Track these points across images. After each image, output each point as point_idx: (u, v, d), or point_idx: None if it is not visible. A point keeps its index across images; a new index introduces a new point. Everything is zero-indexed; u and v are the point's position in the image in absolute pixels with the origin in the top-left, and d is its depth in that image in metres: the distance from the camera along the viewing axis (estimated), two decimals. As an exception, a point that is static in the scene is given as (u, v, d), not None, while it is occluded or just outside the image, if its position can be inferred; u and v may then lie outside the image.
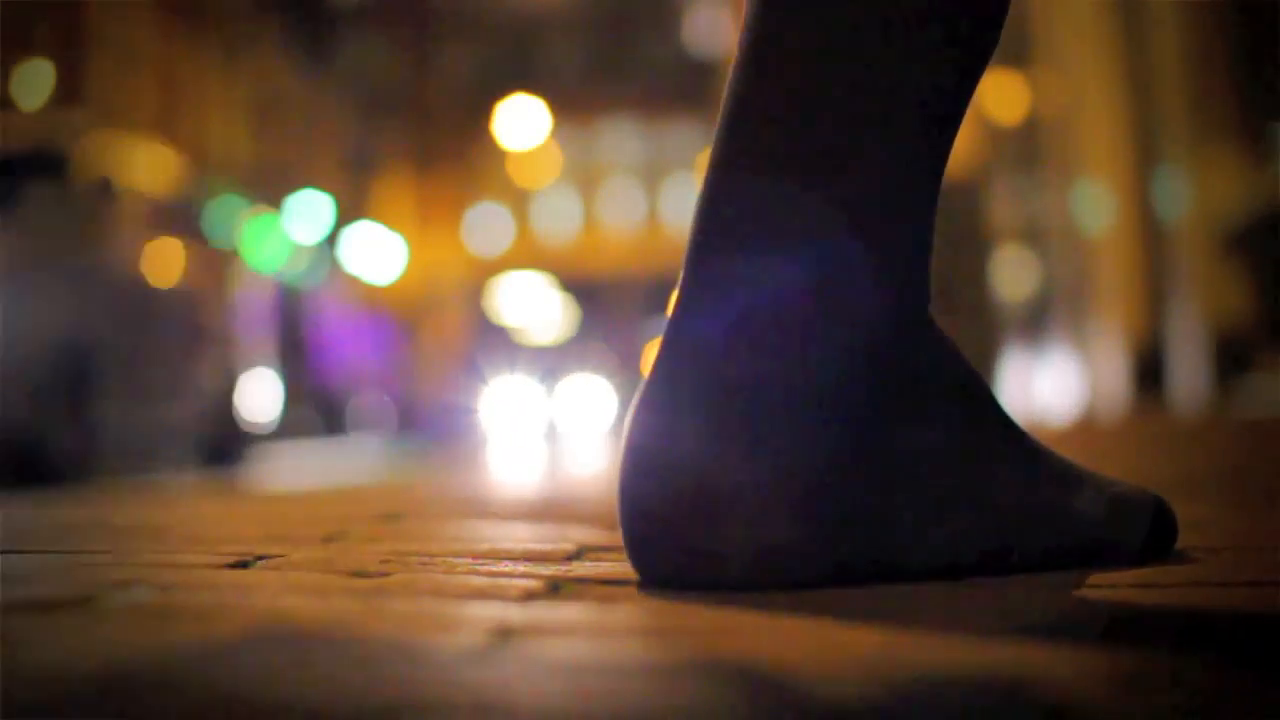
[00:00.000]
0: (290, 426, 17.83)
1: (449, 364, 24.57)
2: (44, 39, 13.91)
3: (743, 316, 0.78)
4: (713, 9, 27.40)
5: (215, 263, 7.49)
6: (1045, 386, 15.06)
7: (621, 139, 29.48)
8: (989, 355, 15.59)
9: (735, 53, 0.82)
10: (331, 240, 22.12)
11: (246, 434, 7.51)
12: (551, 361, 24.96)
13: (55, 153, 6.01)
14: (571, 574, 0.86)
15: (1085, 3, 13.24)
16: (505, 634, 0.62)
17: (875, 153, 0.78)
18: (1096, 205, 13.65)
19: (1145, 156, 12.37)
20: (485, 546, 1.04)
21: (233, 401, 7.21)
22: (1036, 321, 15.38)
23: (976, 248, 14.73)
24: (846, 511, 0.77)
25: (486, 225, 28.74)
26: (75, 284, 5.58)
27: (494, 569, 0.88)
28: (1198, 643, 0.60)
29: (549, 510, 1.51)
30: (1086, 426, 7.02)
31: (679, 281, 0.82)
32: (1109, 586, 0.77)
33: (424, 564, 0.91)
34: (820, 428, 0.77)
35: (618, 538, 1.10)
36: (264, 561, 0.93)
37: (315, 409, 19.44)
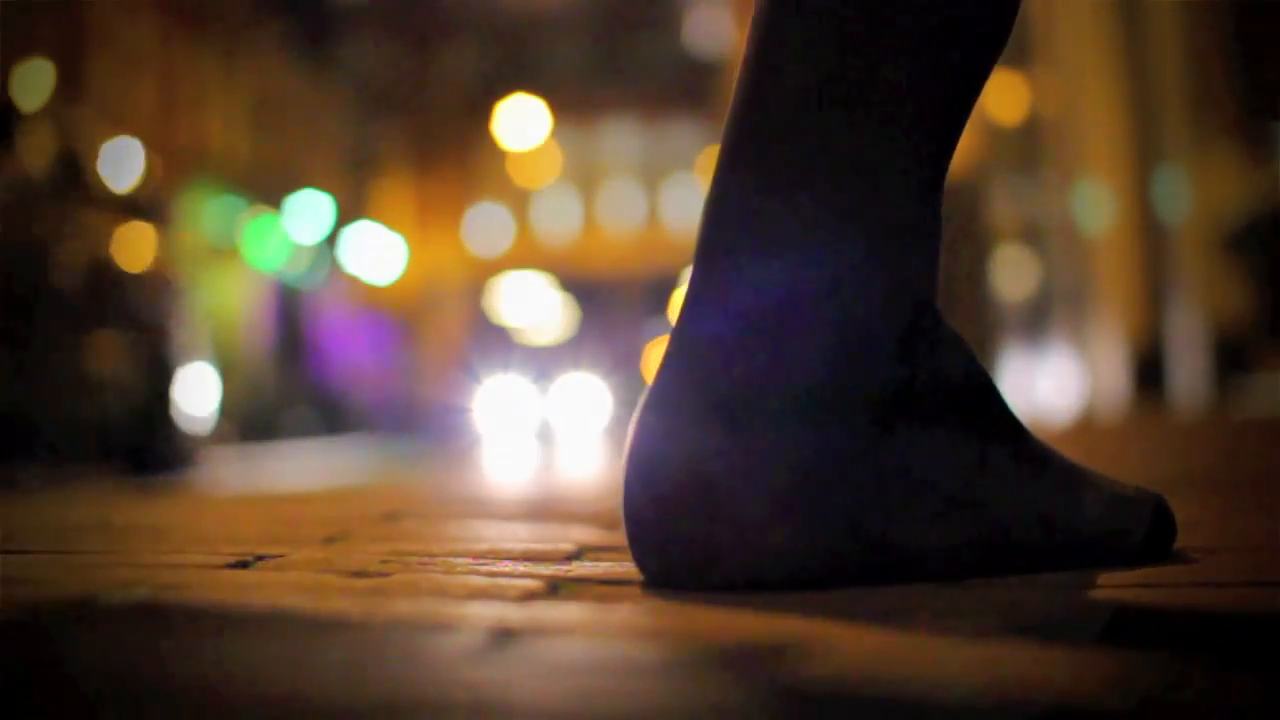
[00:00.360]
0: (289, 426, 17.83)
1: (445, 364, 24.56)
2: (44, 39, 13.91)
3: (748, 318, 0.78)
4: (713, 9, 27.40)
5: (149, 243, 6.47)
6: (1045, 386, 15.06)
7: (621, 139, 29.48)
8: (989, 355, 15.58)
9: (741, 55, 0.83)
10: (331, 240, 22.12)
11: (182, 436, 6.60)
12: (547, 361, 24.97)
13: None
14: (571, 574, 0.86)
15: (1085, 3, 13.24)
16: (505, 634, 0.62)
17: (880, 155, 0.78)
18: (1096, 205, 13.65)
19: (1145, 156, 12.37)
20: (485, 546, 1.04)
21: (167, 399, 6.30)
22: (1036, 321, 15.37)
23: (976, 248, 14.73)
24: (848, 512, 0.77)
25: (486, 225, 28.73)
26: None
27: (494, 569, 0.88)
28: (1198, 643, 0.60)
29: (549, 510, 1.51)
30: (1086, 426, 7.02)
31: (688, 283, 0.82)
32: (1109, 586, 0.77)
33: (424, 564, 0.91)
34: (823, 429, 0.77)
35: (618, 538, 1.10)
36: (264, 561, 0.93)
37: (314, 409, 19.44)
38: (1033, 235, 15.76)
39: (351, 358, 22.81)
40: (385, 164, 26.73)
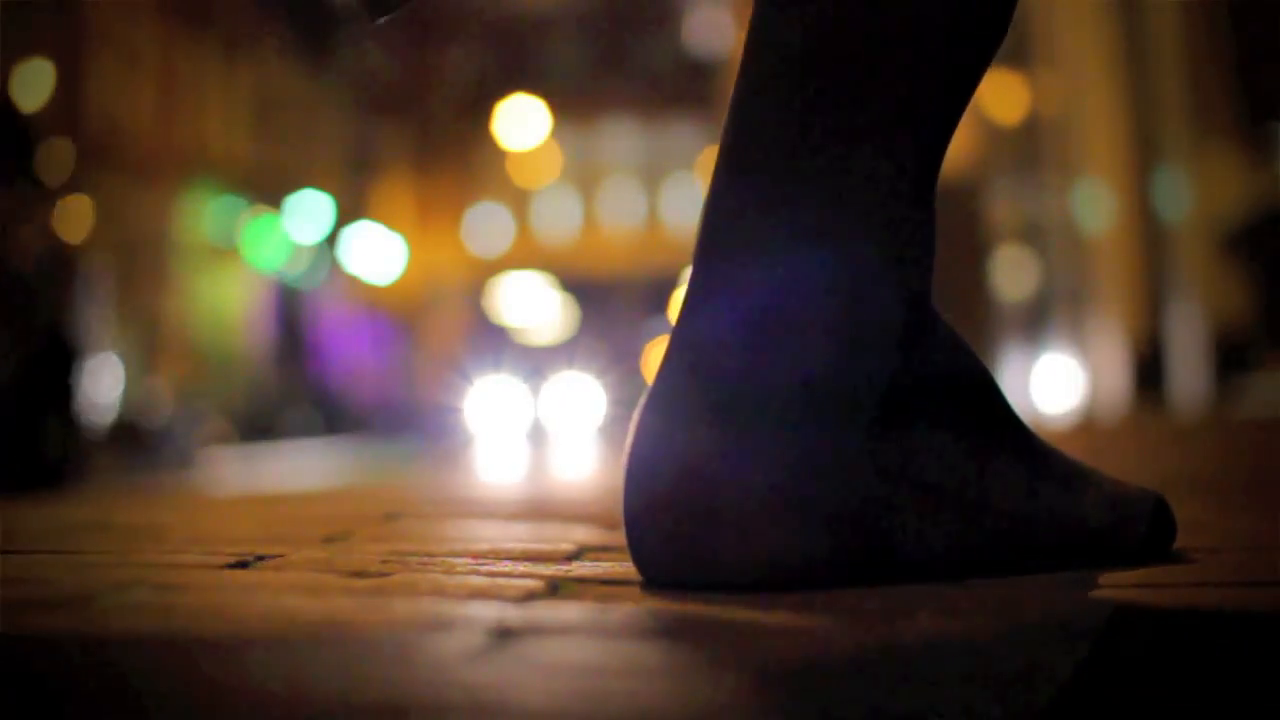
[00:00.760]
0: (288, 426, 17.83)
1: (442, 364, 24.56)
2: (44, 39, 13.92)
3: (747, 319, 0.78)
4: (713, 9, 27.40)
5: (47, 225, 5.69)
6: (1045, 386, 15.06)
7: (621, 139, 29.48)
8: (989, 355, 15.58)
9: (740, 54, 0.83)
10: (331, 240, 22.12)
11: (77, 440, 5.68)
12: (542, 360, 24.99)
13: None
14: (571, 574, 0.86)
15: (1085, 3, 13.24)
16: (505, 634, 0.62)
17: (876, 154, 0.78)
18: (1096, 205, 13.65)
19: (1145, 156, 12.37)
20: (485, 546, 1.04)
21: (61, 398, 5.41)
22: (1036, 321, 15.37)
23: (976, 248, 14.73)
24: (849, 511, 0.77)
25: (486, 225, 28.73)
26: None
27: (494, 569, 0.88)
28: (1198, 643, 0.60)
29: (549, 510, 1.51)
30: (1086, 426, 7.02)
31: (687, 283, 0.82)
32: (1109, 586, 0.77)
33: (424, 564, 0.91)
34: (823, 429, 0.77)
35: (618, 538, 1.10)
36: (264, 561, 0.93)
37: (314, 409, 19.43)
38: (1033, 235, 15.76)
39: (351, 358, 22.81)
40: (385, 164, 26.73)
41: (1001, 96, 14.66)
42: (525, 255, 28.76)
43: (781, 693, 0.51)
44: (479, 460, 4.78)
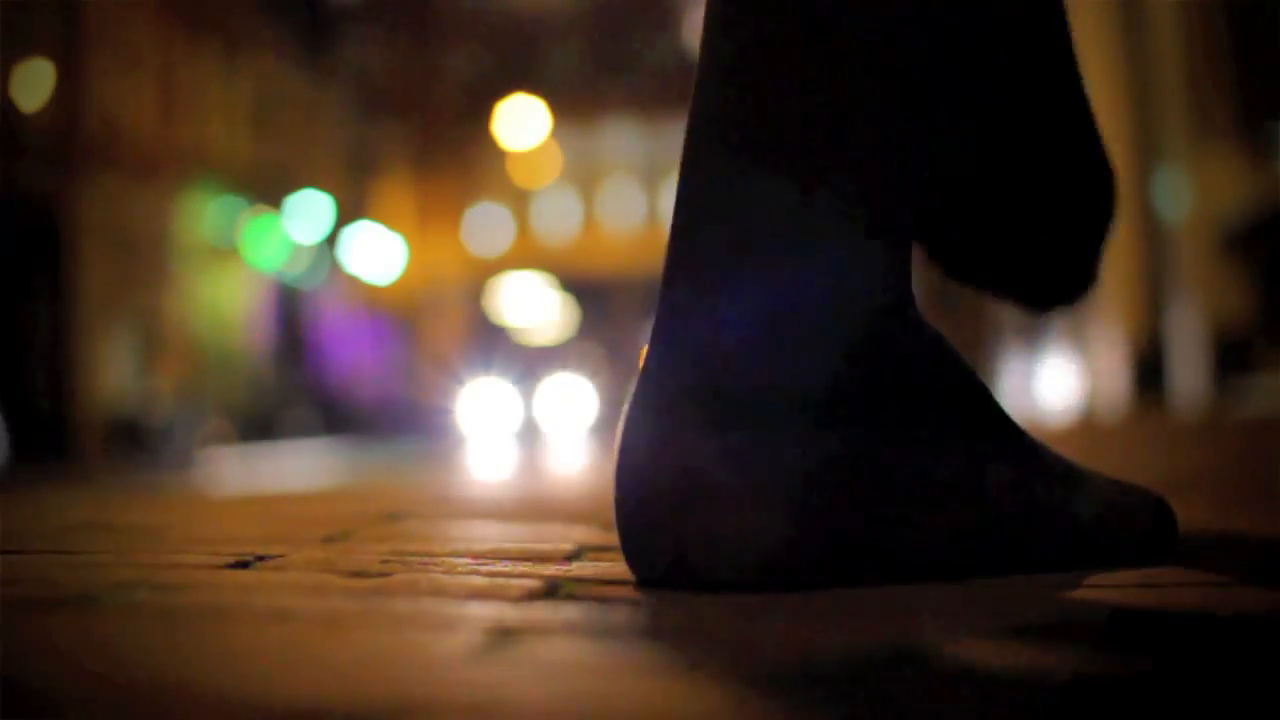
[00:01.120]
0: (289, 426, 17.83)
1: (435, 364, 24.56)
2: (44, 39, 13.91)
3: (731, 316, 0.78)
4: (713, 9, 27.34)
5: None
6: (1045, 386, 15.06)
7: (621, 139, 29.48)
8: (989, 355, 15.57)
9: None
10: (331, 240, 22.12)
11: None
12: (537, 360, 25.01)
13: None
14: (571, 574, 0.86)
15: (1085, 3, 13.24)
16: (505, 634, 0.62)
17: (857, 149, 0.78)
18: (1096, 205, 13.64)
19: (1145, 156, 12.37)
20: (485, 546, 1.04)
21: None
22: (1036, 321, 15.36)
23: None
24: (843, 511, 0.77)
25: (486, 225, 28.74)
26: None
27: (494, 569, 0.88)
28: (1198, 643, 0.60)
29: (549, 510, 1.51)
30: (1086, 426, 7.02)
31: (668, 281, 0.81)
32: (1109, 586, 0.77)
33: (424, 564, 0.91)
34: (814, 428, 0.77)
35: (617, 538, 1.10)
36: (264, 561, 0.93)
37: (314, 409, 19.44)
38: (1033, 235, 15.75)
39: (351, 358, 22.82)
40: (385, 164, 26.73)
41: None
42: (525, 255, 28.77)
43: (781, 694, 0.51)
44: (475, 460, 4.78)
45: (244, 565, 0.91)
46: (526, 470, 3.55)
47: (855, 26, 0.76)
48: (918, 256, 0.92)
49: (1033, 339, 15.34)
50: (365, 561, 0.92)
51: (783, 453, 0.76)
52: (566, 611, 0.70)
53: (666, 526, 0.76)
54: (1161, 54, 11.64)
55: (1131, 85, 12.46)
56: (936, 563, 0.79)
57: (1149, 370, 11.86)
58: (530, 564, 0.91)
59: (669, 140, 29.03)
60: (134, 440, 14.19)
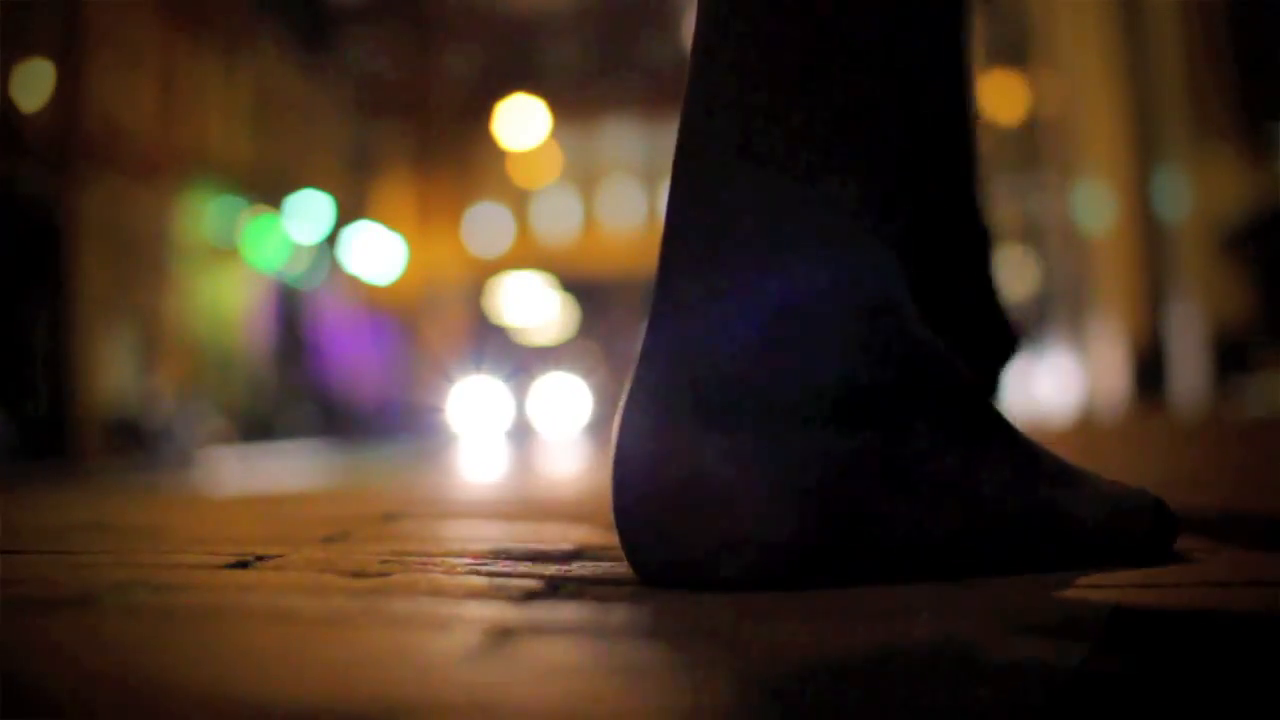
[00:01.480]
0: (289, 426, 17.83)
1: (431, 364, 24.55)
2: (44, 39, 13.91)
3: (728, 317, 0.78)
4: (713, 9, 27.32)
5: None
6: (1045, 386, 15.05)
7: (621, 139, 29.48)
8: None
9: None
10: (331, 240, 22.12)
11: None
12: (531, 359, 25.01)
13: None
14: (571, 574, 0.86)
15: (1085, 3, 13.23)
16: (505, 634, 0.62)
17: (856, 149, 0.78)
18: (1096, 205, 13.65)
19: (1145, 156, 12.37)
20: (485, 546, 1.04)
21: None
22: (1036, 321, 15.37)
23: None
24: (843, 510, 0.77)
25: (486, 225, 28.74)
26: None
27: (494, 569, 0.88)
28: (1198, 643, 0.60)
29: (549, 510, 1.51)
30: (1086, 426, 7.02)
31: (656, 279, 0.81)
32: (1109, 586, 0.77)
33: (424, 564, 0.91)
34: (815, 427, 0.77)
35: (617, 538, 1.10)
36: (264, 561, 0.93)
37: (314, 409, 19.43)
38: (1033, 235, 15.78)
39: (351, 358, 22.81)
40: (385, 164, 26.73)
41: (1001, 96, 14.66)
42: (525, 255, 28.76)
43: (780, 694, 0.51)
44: (470, 461, 4.78)
45: (244, 565, 0.91)
46: (524, 471, 3.55)
47: (855, 25, 0.76)
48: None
49: (1033, 339, 15.34)
50: (365, 561, 0.92)
51: (785, 452, 0.76)
52: (566, 611, 0.70)
53: (668, 525, 0.76)
54: (1161, 54, 11.64)
55: (1131, 85, 12.45)
56: (937, 562, 0.79)
57: (1149, 370, 11.86)
58: (530, 564, 0.91)
59: (669, 140, 28.96)
60: (134, 440, 14.20)
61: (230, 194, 18.47)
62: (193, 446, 14.44)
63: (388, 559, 0.94)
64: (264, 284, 19.86)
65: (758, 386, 0.77)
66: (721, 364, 0.77)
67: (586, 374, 25.30)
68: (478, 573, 0.86)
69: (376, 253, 24.15)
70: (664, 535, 0.77)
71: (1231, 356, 10.53)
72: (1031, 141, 15.20)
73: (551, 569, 0.88)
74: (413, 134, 27.55)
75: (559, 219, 29.34)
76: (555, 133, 28.27)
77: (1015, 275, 15.63)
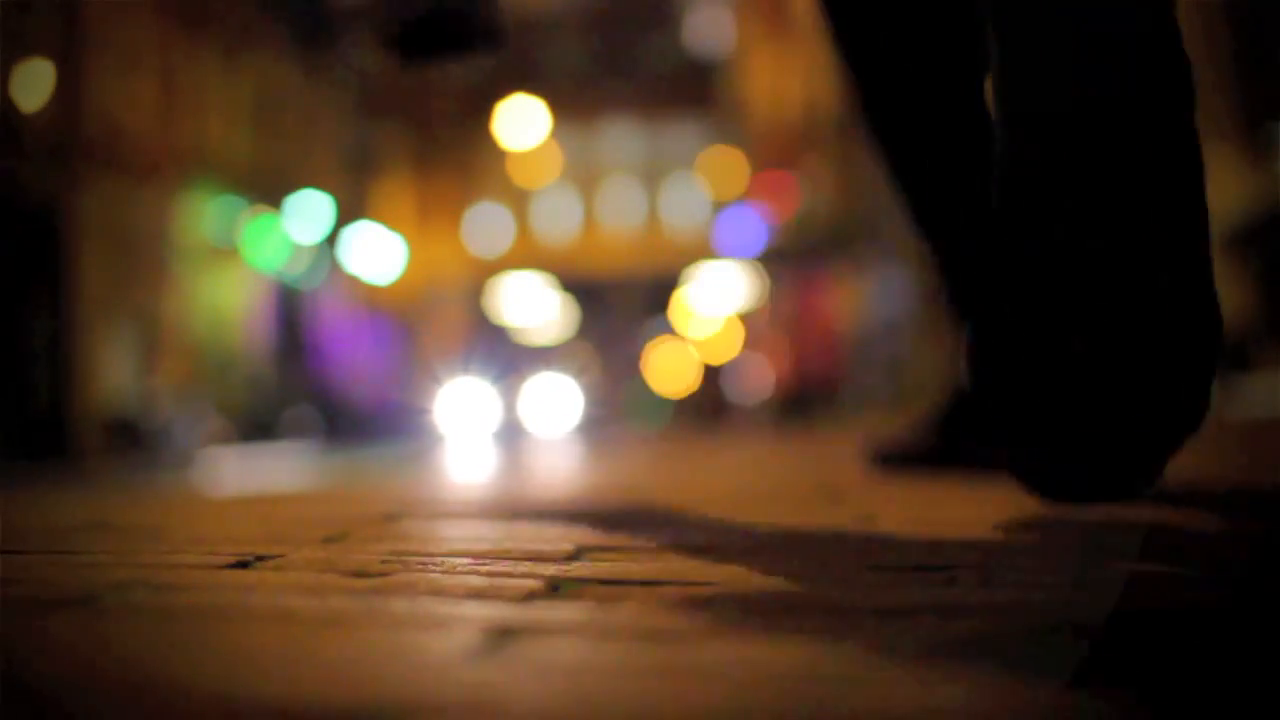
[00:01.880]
0: (288, 426, 17.83)
1: (426, 365, 24.52)
2: (44, 39, 13.91)
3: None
4: (713, 9, 27.39)
5: None
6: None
7: (621, 139, 29.48)
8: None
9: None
10: (331, 240, 22.11)
11: None
12: (522, 359, 25.01)
13: None
14: (571, 574, 0.86)
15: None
16: (505, 634, 0.62)
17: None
18: (1096, 205, 13.65)
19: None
20: (485, 546, 1.04)
21: None
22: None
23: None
24: None
25: (486, 225, 28.73)
26: None
27: (494, 569, 0.88)
28: (1198, 643, 0.60)
29: (549, 510, 1.51)
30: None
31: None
32: (1109, 586, 0.77)
33: (424, 564, 0.91)
34: None
35: (618, 538, 1.10)
36: (264, 561, 0.93)
37: (314, 409, 19.43)
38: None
39: (351, 358, 22.81)
40: (385, 164, 26.73)
41: (1001, 96, 14.62)
42: (525, 255, 28.76)
43: (780, 694, 0.51)
44: (467, 461, 4.78)
45: (244, 565, 0.91)
46: (522, 471, 3.55)
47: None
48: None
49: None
50: (365, 561, 0.92)
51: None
52: (566, 611, 0.70)
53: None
54: (1161, 54, 11.62)
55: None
56: None
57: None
58: (530, 564, 0.91)
59: (669, 140, 29.04)
60: (134, 440, 14.19)
61: (230, 194, 18.46)
62: (192, 446, 14.44)
63: (388, 559, 0.94)
64: (264, 284, 19.86)
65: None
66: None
67: (577, 374, 25.31)
68: (478, 572, 0.86)
69: (376, 253, 24.14)
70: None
71: (1231, 356, 10.53)
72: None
73: (551, 569, 0.89)
74: (413, 134, 27.55)
75: (559, 219, 29.34)
76: (555, 133, 28.27)
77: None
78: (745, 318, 25.69)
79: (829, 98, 19.58)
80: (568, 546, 1.04)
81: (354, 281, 23.74)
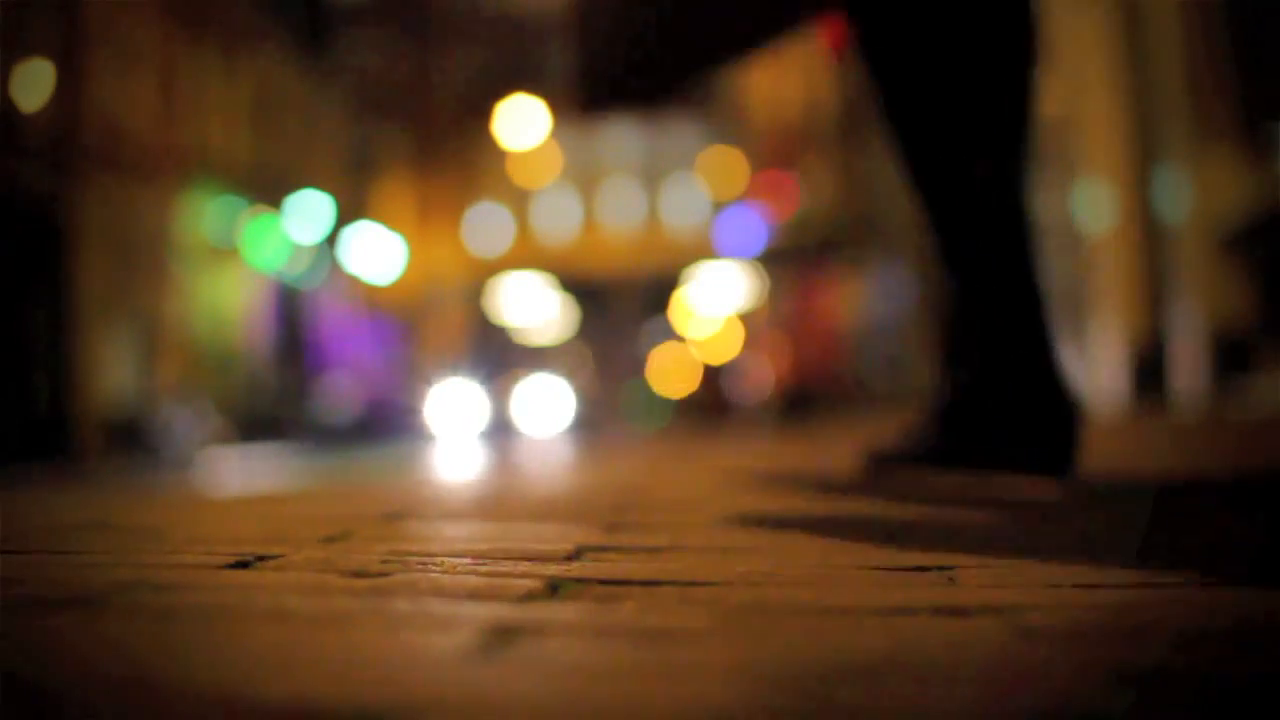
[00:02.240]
0: (288, 426, 17.82)
1: (415, 364, 24.48)
2: (44, 39, 13.91)
3: None
4: (713, 9, 27.28)
5: None
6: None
7: (621, 139, 29.47)
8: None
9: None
10: (331, 240, 22.11)
11: None
12: (515, 360, 24.98)
13: None
14: (571, 574, 0.86)
15: (1085, 3, 13.23)
16: (505, 634, 0.62)
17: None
18: (1096, 205, 13.65)
19: (1145, 156, 12.36)
20: (485, 546, 1.04)
21: None
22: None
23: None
24: None
25: (486, 225, 28.72)
26: None
27: (494, 569, 0.88)
28: (1198, 643, 0.60)
29: (548, 510, 1.51)
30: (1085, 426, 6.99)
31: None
32: (1110, 587, 0.77)
33: (424, 564, 0.91)
34: None
35: (617, 538, 1.10)
36: (264, 561, 0.93)
37: (313, 409, 19.42)
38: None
39: (351, 358, 22.80)
40: (385, 164, 26.72)
41: (1001, 96, 14.59)
42: (525, 255, 28.75)
43: (780, 694, 0.51)
44: (462, 461, 4.77)
45: (244, 565, 0.91)
46: (519, 471, 3.55)
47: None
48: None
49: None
50: (365, 561, 0.92)
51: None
52: (566, 611, 0.70)
53: None
54: (1161, 54, 11.63)
55: (1131, 85, 12.45)
56: None
57: (1149, 370, 11.85)
58: (530, 564, 0.91)
59: (669, 140, 29.02)
60: (134, 440, 14.18)
61: (230, 194, 18.46)
62: (193, 446, 14.44)
63: (388, 559, 0.94)
64: (264, 284, 19.86)
65: None
66: None
67: (570, 374, 25.29)
68: (477, 572, 0.86)
69: (376, 253, 24.14)
70: None
71: (1231, 356, 10.52)
72: (1031, 141, 15.17)
73: (551, 569, 0.89)
74: (413, 134, 27.54)
75: (559, 219, 29.33)
76: (555, 133, 28.25)
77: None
78: (745, 318, 25.69)
79: (829, 98, 19.58)
80: (568, 546, 1.04)
81: (354, 281, 23.74)
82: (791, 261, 22.34)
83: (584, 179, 29.34)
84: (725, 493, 1.83)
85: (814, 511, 1.41)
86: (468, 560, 0.93)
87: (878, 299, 18.59)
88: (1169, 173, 12.02)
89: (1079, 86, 13.68)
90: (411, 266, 26.19)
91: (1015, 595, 0.74)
